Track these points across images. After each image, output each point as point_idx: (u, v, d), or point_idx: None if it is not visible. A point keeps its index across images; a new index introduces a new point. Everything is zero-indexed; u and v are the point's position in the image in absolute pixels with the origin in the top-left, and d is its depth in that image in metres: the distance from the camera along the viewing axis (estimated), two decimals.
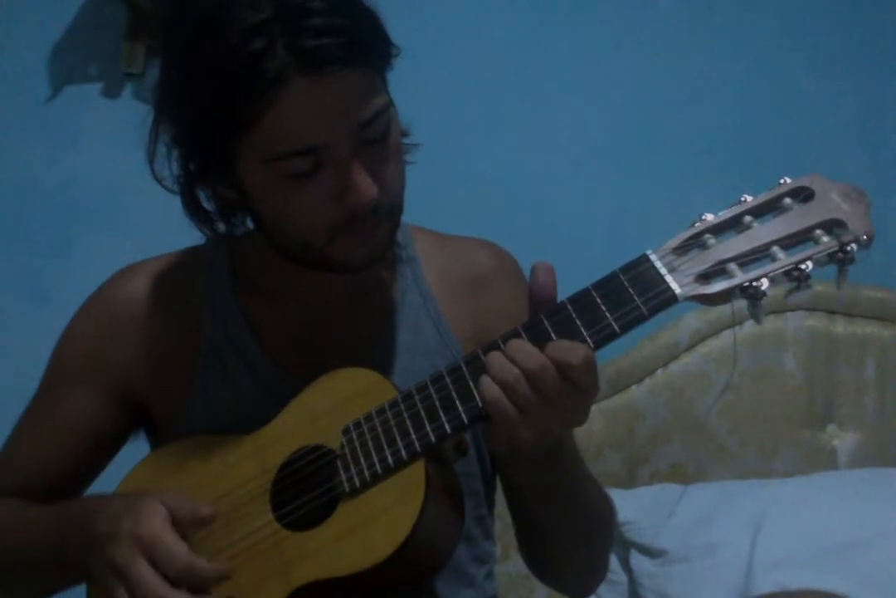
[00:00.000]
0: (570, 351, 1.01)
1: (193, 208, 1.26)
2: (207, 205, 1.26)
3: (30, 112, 2.30)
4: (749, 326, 2.35)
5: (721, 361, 2.35)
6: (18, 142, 2.30)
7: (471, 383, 1.08)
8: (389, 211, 1.19)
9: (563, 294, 1.08)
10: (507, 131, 2.47)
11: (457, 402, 1.09)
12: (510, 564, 2.18)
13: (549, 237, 2.39)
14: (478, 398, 1.06)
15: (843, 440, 2.38)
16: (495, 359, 1.05)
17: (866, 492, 2.16)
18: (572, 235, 2.43)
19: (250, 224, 1.30)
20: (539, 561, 1.36)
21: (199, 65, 1.10)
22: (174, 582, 1.08)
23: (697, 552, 2.06)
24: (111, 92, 2.31)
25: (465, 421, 1.08)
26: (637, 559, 2.14)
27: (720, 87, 2.53)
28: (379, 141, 1.15)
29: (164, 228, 2.25)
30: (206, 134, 1.14)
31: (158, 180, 1.25)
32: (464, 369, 1.10)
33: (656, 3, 2.52)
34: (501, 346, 1.06)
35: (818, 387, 2.37)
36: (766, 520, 2.07)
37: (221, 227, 1.28)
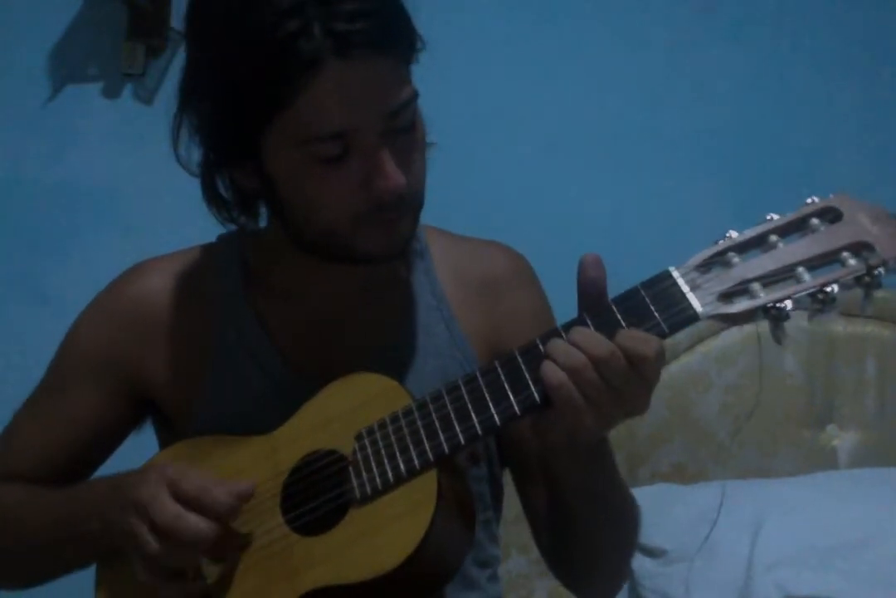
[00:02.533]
0: (644, 342, 0.99)
1: (212, 197, 1.25)
2: (226, 194, 1.25)
3: (30, 112, 2.30)
4: (749, 325, 2.34)
5: (721, 360, 2.35)
6: (18, 142, 2.30)
7: (506, 385, 1.06)
8: (413, 203, 1.20)
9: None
10: (506, 131, 2.47)
11: (471, 413, 1.08)
12: (510, 563, 2.19)
13: (549, 236, 2.39)
14: (532, 389, 1.04)
15: (843, 440, 2.38)
16: (559, 345, 1.02)
17: (866, 492, 2.17)
18: (572, 233, 2.42)
19: (263, 221, 1.30)
20: (568, 563, 1.33)
21: (232, 45, 1.09)
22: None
23: (697, 552, 2.07)
24: (111, 92, 2.31)
25: (479, 432, 1.07)
26: (637, 559, 2.13)
27: (721, 86, 2.52)
28: (406, 131, 1.16)
29: (164, 227, 2.28)
30: (236, 116, 1.13)
31: (184, 166, 1.24)
32: (479, 380, 1.09)
33: (657, 3, 2.51)
34: (541, 347, 1.05)
35: (818, 387, 2.37)
36: (766, 520, 2.07)
37: (240, 217, 1.28)
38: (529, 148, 2.47)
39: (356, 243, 1.19)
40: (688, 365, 2.36)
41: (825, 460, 2.36)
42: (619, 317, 1.02)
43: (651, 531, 2.13)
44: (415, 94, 1.16)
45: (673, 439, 2.34)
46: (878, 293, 2.34)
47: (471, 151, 2.37)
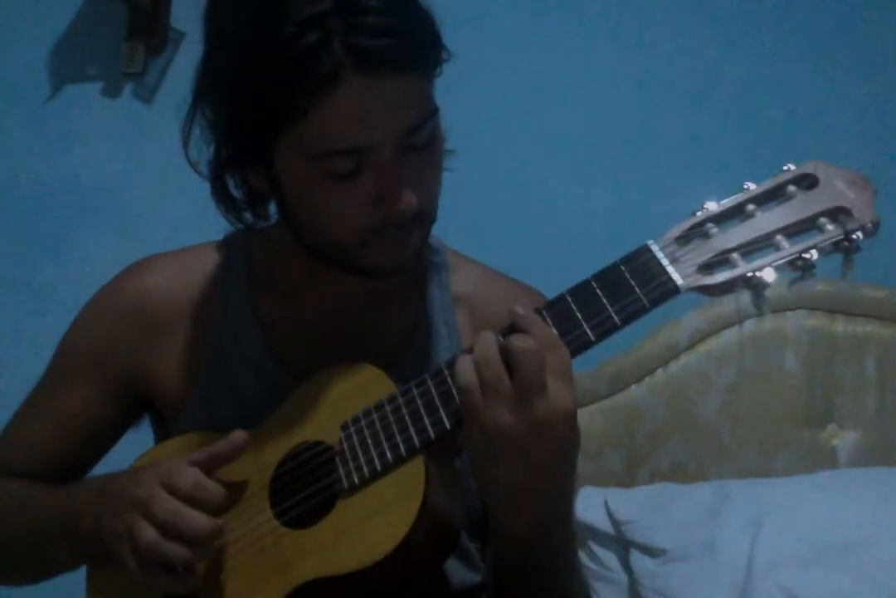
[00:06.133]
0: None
1: (221, 195, 1.24)
2: (236, 193, 1.24)
3: (30, 112, 2.31)
4: (749, 325, 2.34)
5: (722, 360, 2.34)
6: (18, 142, 2.31)
7: None
8: (424, 219, 1.18)
9: (563, 288, 1.08)
10: (505, 129, 2.47)
11: (455, 397, 1.08)
12: None
13: (549, 233, 2.39)
14: None
15: (843, 440, 2.36)
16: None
17: (866, 491, 2.15)
18: (572, 230, 2.42)
19: (272, 220, 1.28)
20: None
21: (251, 53, 1.07)
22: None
23: (697, 551, 2.05)
24: (111, 92, 2.32)
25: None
26: (637, 559, 2.13)
27: (720, 84, 2.52)
28: (423, 148, 1.13)
29: (164, 227, 2.29)
30: (250, 123, 1.12)
31: (192, 165, 1.23)
32: None
33: (658, 4, 2.51)
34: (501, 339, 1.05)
35: (818, 386, 2.35)
36: (766, 519, 2.06)
37: (248, 217, 1.27)
38: (529, 149, 2.47)
39: (364, 257, 1.18)
40: (688, 364, 2.34)
41: (825, 460, 2.34)
42: (599, 293, 1.03)
43: (651, 530, 2.12)
44: (435, 110, 1.14)
45: (673, 439, 2.33)
46: (879, 293, 2.37)
47: (469, 151, 2.37)
